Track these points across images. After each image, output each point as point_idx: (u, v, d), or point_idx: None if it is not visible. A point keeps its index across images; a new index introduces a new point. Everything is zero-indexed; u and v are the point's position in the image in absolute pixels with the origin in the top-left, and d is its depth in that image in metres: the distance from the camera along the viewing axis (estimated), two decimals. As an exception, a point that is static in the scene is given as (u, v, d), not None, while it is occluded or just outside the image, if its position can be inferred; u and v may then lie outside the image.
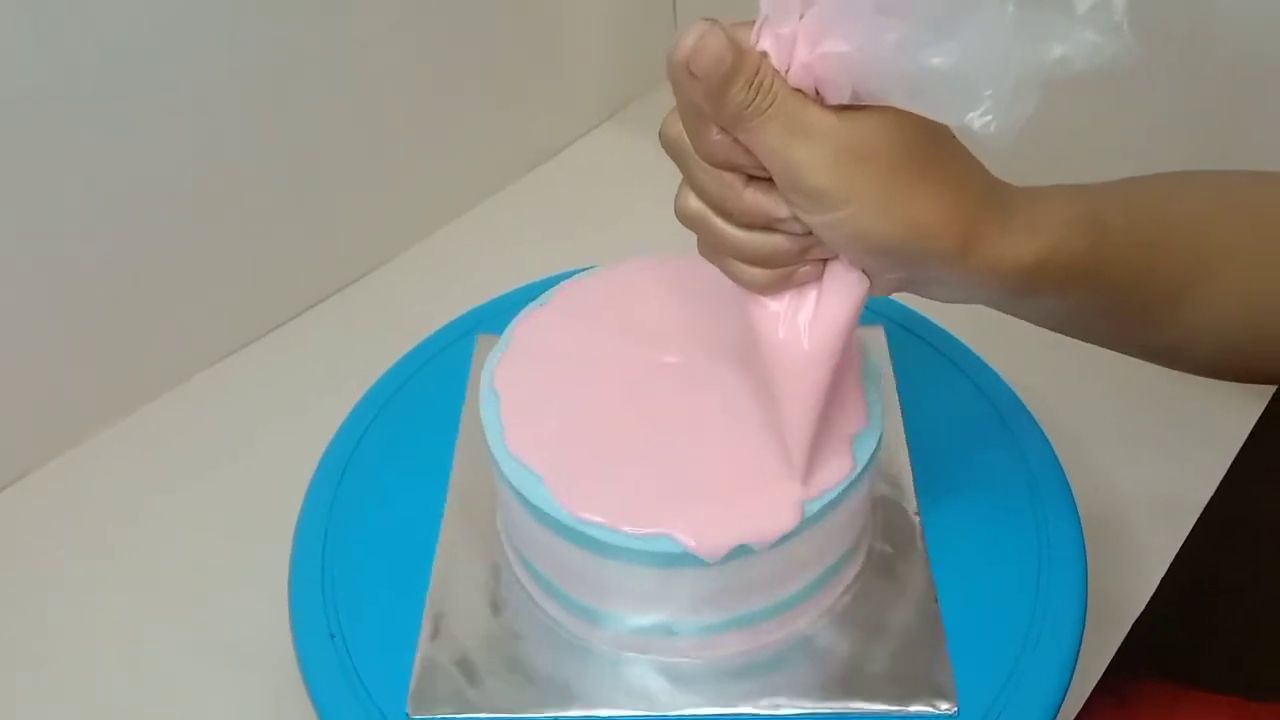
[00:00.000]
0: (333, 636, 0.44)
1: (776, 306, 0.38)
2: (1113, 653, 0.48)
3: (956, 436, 0.50)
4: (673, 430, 0.42)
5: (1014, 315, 0.40)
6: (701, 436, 0.42)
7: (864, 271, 0.37)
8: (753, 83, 0.32)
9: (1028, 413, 0.50)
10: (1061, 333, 0.42)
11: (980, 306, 0.39)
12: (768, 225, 0.35)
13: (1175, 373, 0.48)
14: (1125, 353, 0.44)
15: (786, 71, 0.33)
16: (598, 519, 0.39)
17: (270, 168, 0.67)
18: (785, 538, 0.39)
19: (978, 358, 0.53)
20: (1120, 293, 0.39)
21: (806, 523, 0.39)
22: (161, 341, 0.67)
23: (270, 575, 0.48)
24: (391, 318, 0.71)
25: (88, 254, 0.61)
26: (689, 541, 0.39)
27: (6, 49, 0.54)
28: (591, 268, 0.50)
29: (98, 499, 0.62)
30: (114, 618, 0.56)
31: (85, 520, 0.61)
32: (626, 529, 0.39)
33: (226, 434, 0.65)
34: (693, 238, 0.38)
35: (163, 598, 0.56)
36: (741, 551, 0.39)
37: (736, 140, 0.34)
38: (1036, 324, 0.41)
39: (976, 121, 0.29)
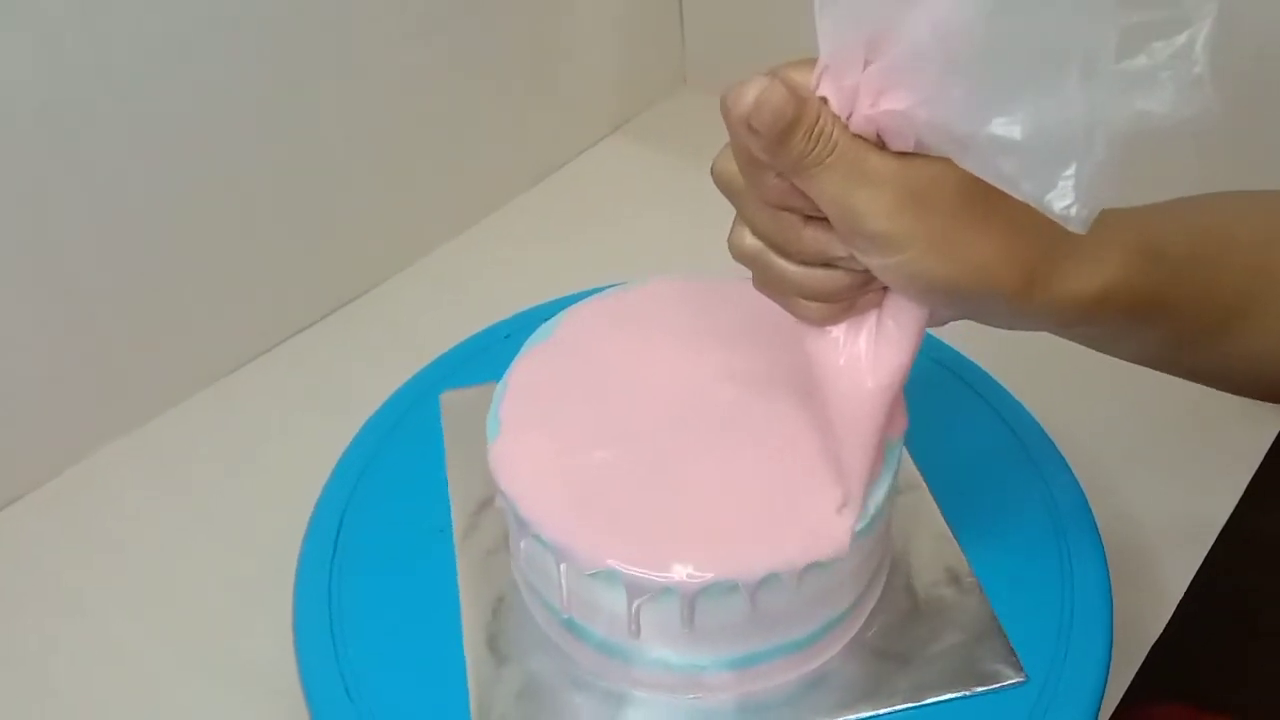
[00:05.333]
0: (338, 659, 0.44)
1: (836, 333, 0.37)
2: (1132, 676, 0.48)
3: (978, 464, 0.49)
4: (702, 461, 0.41)
5: (1071, 340, 0.40)
6: (735, 464, 0.41)
7: None
8: (813, 132, 0.31)
9: (1049, 440, 0.50)
10: (1112, 355, 0.42)
11: (1000, 332, 0.39)
12: (827, 262, 0.35)
13: (1192, 393, 0.48)
14: (1172, 374, 0.43)
15: (848, 118, 0.32)
16: (614, 562, 0.39)
17: (274, 182, 0.67)
18: (823, 564, 0.39)
19: (998, 384, 0.53)
20: (1179, 316, 0.39)
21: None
22: (165, 357, 0.66)
23: (274, 594, 0.47)
24: (397, 332, 0.71)
25: (92, 268, 0.60)
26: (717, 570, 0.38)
27: (10, 62, 0.53)
28: (596, 291, 0.49)
29: (101, 515, 0.61)
30: (117, 635, 0.55)
31: (89, 536, 0.60)
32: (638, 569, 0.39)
33: (230, 451, 0.65)
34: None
35: (165, 615, 0.56)
36: (770, 580, 0.39)
37: (794, 184, 0.33)
38: (1091, 348, 0.41)
39: (1057, 204, 0.28)
